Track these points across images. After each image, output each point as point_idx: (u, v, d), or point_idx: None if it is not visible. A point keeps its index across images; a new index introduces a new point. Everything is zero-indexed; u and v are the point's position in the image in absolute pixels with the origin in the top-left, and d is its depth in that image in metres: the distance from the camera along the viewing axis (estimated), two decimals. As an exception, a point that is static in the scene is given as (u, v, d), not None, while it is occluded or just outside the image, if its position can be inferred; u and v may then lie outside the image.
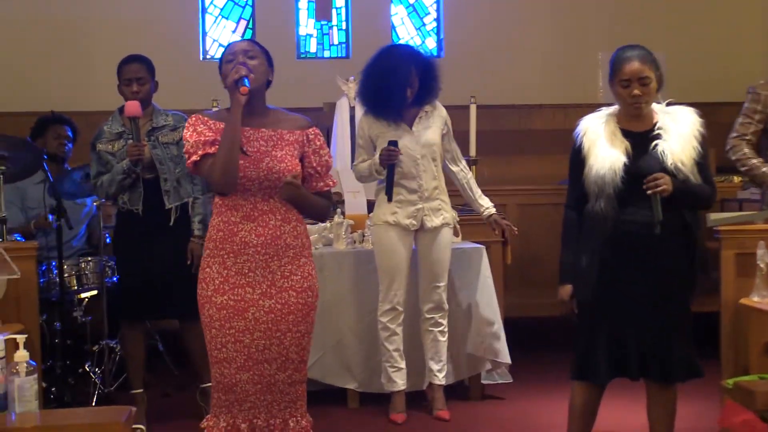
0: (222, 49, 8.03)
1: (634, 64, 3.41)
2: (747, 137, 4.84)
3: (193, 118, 3.30)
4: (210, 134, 3.23)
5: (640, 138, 3.48)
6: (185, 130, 3.29)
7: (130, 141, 4.47)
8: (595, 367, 3.48)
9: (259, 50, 3.35)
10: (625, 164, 3.41)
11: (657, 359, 3.47)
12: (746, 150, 4.81)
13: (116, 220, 4.76)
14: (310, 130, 3.38)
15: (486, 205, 4.83)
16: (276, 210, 3.27)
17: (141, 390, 4.73)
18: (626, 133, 3.48)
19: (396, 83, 4.60)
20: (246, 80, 3.18)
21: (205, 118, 3.29)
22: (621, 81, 3.44)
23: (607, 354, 3.46)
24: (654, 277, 3.45)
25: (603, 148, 3.45)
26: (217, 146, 3.20)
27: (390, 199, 4.64)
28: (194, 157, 3.23)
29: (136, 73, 4.58)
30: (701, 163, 3.48)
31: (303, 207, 3.35)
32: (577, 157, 3.53)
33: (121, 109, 4.61)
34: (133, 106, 4.47)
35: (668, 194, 3.37)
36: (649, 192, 3.36)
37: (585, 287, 3.46)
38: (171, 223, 4.56)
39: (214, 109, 3.26)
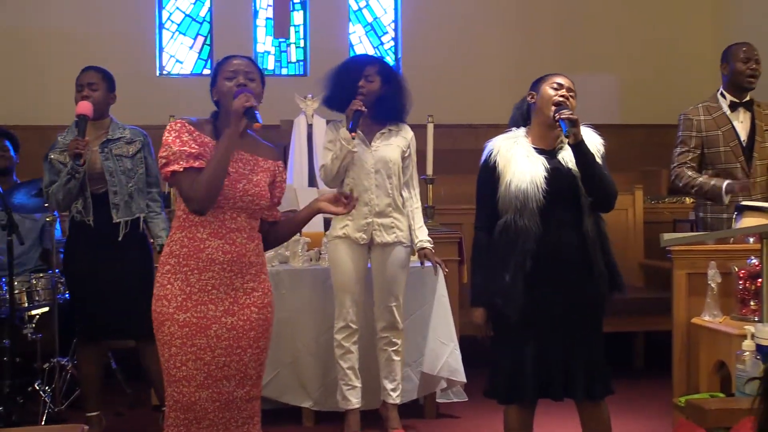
0: (179, 66, 8.10)
1: (567, 79, 3.59)
2: (688, 164, 4.96)
3: (178, 124, 3.19)
4: (196, 147, 3.16)
5: (551, 155, 3.54)
6: (167, 134, 3.18)
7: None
8: (524, 387, 3.45)
9: (258, 73, 3.30)
10: (545, 178, 3.45)
11: (581, 377, 3.46)
12: (690, 173, 4.94)
13: (69, 232, 4.66)
14: (279, 162, 3.39)
15: (422, 237, 4.76)
16: (242, 228, 3.24)
17: (97, 412, 4.65)
18: (539, 152, 3.53)
19: (351, 73, 4.60)
20: (258, 115, 3.14)
21: (191, 128, 3.19)
22: (552, 83, 3.54)
23: (534, 373, 3.44)
24: (573, 294, 3.46)
25: (520, 164, 3.48)
26: (201, 161, 3.13)
27: (353, 129, 4.52)
28: (175, 167, 3.13)
29: (88, 79, 4.54)
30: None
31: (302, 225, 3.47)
32: (491, 176, 3.54)
33: (76, 123, 4.57)
34: (84, 105, 4.42)
35: (576, 130, 3.39)
36: (556, 117, 3.42)
37: (513, 305, 3.40)
38: (120, 238, 4.50)
39: (194, 118, 3.21)
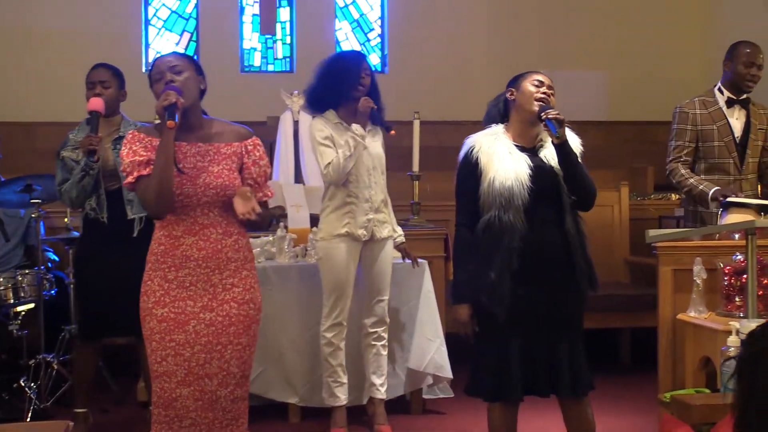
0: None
1: (546, 77, 3.57)
2: (683, 159, 4.98)
3: (129, 135, 3.24)
4: (144, 154, 3.18)
5: (533, 153, 3.53)
6: (122, 148, 3.23)
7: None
8: (510, 385, 3.43)
9: (186, 62, 3.29)
10: (530, 176, 3.43)
11: (566, 374, 3.46)
12: (683, 171, 4.95)
13: (82, 230, 4.60)
14: (249, 140, 3.32)
15: (400, 232, 4.85)
16: (217, 224, 3.24)
17: (85, 409, 4.64)
18: (520, 149, 3.51)
19: (351, 69, 4.59)
20: (174, 113, 3.11)
21: (141, 135, 3.22)
22: (533, 81, 3.53)
23: (520, 370, 3.43)
24: (557, 292, 3.45)
25: (503, 161, 3.45)
26: (151, 167, 3.16)
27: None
28: (129, 178, 3.20)
29: (100, 77, 4.51)
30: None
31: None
32: (472, 172, 3.49)
33: (88, 120, 4.54)
34: (95, 101, 4.39)
35: (563, 130, 3.39)
36: (543, 116, 3.40)
37: (499, 303, 3.38)
38: (135, 235, 4.42)
39: (153, 123, 3.21)
